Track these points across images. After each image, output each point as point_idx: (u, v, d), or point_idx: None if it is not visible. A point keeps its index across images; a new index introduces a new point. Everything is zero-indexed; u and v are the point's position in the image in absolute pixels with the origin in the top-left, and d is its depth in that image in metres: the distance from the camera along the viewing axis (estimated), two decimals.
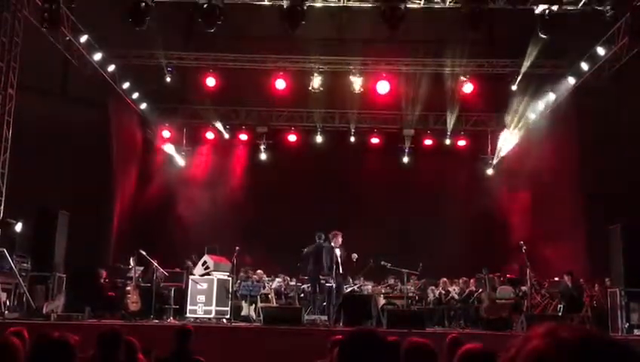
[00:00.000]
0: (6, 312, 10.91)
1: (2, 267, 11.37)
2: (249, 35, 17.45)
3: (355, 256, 13.00)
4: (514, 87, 16.34)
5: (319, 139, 18.76)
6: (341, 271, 12.80)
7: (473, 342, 3.49)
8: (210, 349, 7.82)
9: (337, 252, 12.88)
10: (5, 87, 12.86)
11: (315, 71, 16.39)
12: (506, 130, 18.10)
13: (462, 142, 18.75)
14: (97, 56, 15.14)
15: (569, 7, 12.21)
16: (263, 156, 18.97)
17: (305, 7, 11.81)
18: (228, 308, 12.80)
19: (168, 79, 16.53)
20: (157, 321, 12.30)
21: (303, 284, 14.52)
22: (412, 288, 14.65)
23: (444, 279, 15.14)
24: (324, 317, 12.23)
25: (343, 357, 2.71)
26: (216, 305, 12.71)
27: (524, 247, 12.81)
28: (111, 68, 15.88)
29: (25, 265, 12.47)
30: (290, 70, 16.55)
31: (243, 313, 13.83)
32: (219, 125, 18.81)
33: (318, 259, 12.89)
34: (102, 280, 14.43)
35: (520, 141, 17.88)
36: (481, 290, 14.09)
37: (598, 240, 13.93)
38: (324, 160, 18.48)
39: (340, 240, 13.00)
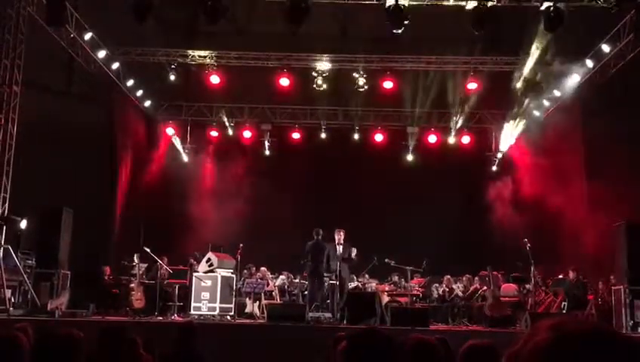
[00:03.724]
0: (11, 309, 10.95)
1: (7, 264, 11.41)
2: (253, 32, 17.46)
3: (354, 250, 12.97)
4: (518, 85, 16.30)
5: (323, 136, 18.78)
6: (339, 268, 12.77)
7: (477, 339, 3.48)
8: (214, 346, 7.83)
9: (339, 249, 12.90)
10: (10, 84, 12.90)
11: (319, 68, 16.38)
12: (509, 126, 18.09)
13: (466, 140, 18.73)
14: (101, 54, 15.16)
15: (574, 4, 12.17)
16: (267, 153, 18.99)
17: (309, 4, 11.78)
18: (232, 305, 12.82)
19: (172, 77, 16.54)
20: (161, 318, 12.34)
21: (306, 281, 14.54)
22: (416, 286, 14.65)
23: (448, 276, 15.13)
24: (328, 315, 12.25)
25: (348, 357, 2.71)
26: (220, 302, 12.74)
27: (529, 245, 12.80)
28: (115, 65, 15.91)
29: (29, 262, 12.52)
30: (294, 67, 16.54)
31: (247, 310, 13.84)
32: (223, 122, 18.84)
33: (316, 255, 12.91)
34: (106, 277, 14.47)
35: (524, 138, 17.86)
36: (485, 288, 14.08)
37: (603, 238, 13.90)
38: (328, 157, 18.49)
39: (342, 236, 13.00)
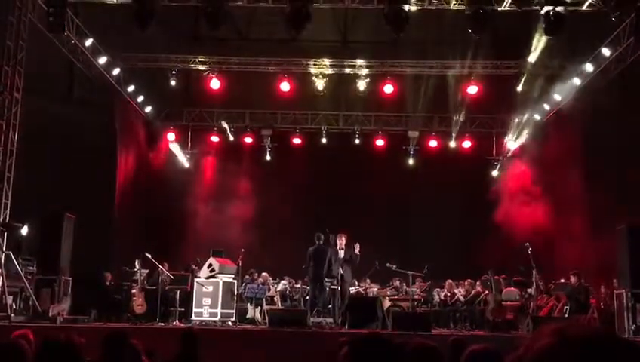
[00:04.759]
0: (12, 315, 10.92)
1: (8, 270, 11.40)
2: (253, 38, 17.50)
3: (357, 246, 12.96)
4: (519, 89, 16.32)
5: (324, 141, 18.78)
6: (343, 273, 12.79)
7: (478, 344, 3.48)
8: (215, 352, 7.82)
9: (341, 253, 12.91)
10: (11, 90, 12.91)
11: (319, 73, 16.40)
12: (511, 131, 18.12)
13: (467, 144, 18.73)
14: (102, 60, 15.20)
15: (574, 8, 12.18)
16: (268, 158, 18.99)
17: (309, 9, 11.80)
18: (233, 311, 12.81)
19: (173, 83, 16.57)
20: (162, 324, 12.32)
21: (307, 286, 14.52)
22: (417, 290, 14.63)
23: (450, 281, 15.12)
24: (330, 320, 12.24)
25: (350, 361, 2.71)
26: (222, 308, 12.72)
27: (530, 249, 12.78)
28: (116, 71, 15.95)
29: (31, 268, 12.50)
30: (294, 72, 16.56)
31: (248, 315, 13.84)
32: (224, 128, 18.86)
33: (317, 260, 12.90)
34: (107, 283, 14.45)
35: (525, 142, 17.87)
36: (486, 292, 14.05)
37: (604, 241, 13.87)
38: (329, 162, 18.49)
39: (343, 241, 13.02)
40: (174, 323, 12.50)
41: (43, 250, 12.89)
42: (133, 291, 13.48)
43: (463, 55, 15.78)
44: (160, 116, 18.87)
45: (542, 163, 17.29)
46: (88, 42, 14.56)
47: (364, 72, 16.48)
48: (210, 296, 12.83)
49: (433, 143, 18.73)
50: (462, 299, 14.57)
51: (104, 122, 17.00)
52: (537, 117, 17.45)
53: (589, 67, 14.95)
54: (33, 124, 13.57)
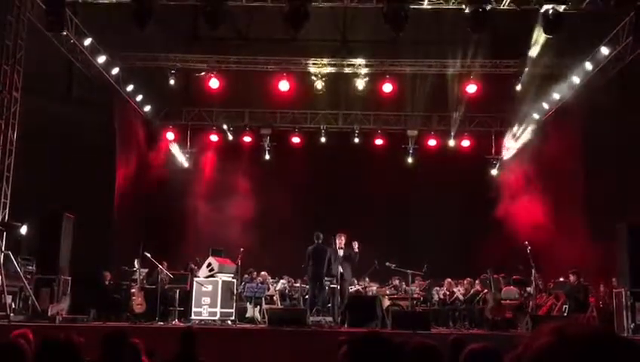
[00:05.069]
0: (11, 315, 10.92)
1: (8, 270, 11.40)
2: (253, 37, 17.51)
3: (356, 244, 12.98)
4: (518, 88, 16.32)
5: (323, 140, 18.77)
6: (342, 271, 12.82)
7: (477, 343, 3.48)
8: (215, 351, 7.83)
9: (341, 252, 12.92)
10: (10, 90, 12.90)
11: (318, 72, 16.40)
12: (510, 130, 18.13)
13: (466, 143, 18.74)
14: (101, 59, 15.19)
15: (573, 8, 12.18)
16: (267, 157, 18.99)
17: (308, 9, 11.80)
18: (233, 310, 12.80)
19: (172, 82, 16.55)
20: (162, 323, 12.31)
21: (307, 285, 14.53)
22: (417, 289, 14.64)
23: (449, 280, 15.12)
24: (329, 319, 12.24)
25: (349, 360, 2.71)
26: (221, 307, 12.72)
27: (529, 248, 12.79)
28: (115, 70, 15.94)
29: (30, 267, 12.50)
30: (293, 72, 16.56)
31: (248, 315, 13.84)
32: (223, 127, 18.85)
33: (317, 259, 12.91)
34: (106, 283, 14.45)
35: (524, 141, 17.88)
36: (485, 291, 14.07)
37: (604, 240, 13.89)
38: (328, 161, 18.49)
39: (343, 240, 13.03)
40: (174, 322, 12.50)
41: (42, 250, 12.88)
42: (133, 290, 13.47)
43: (463, 54, 15.78)
44: (159, 115, 18.86)
45: (541, 162, 17.28)
46: (87, 41, 14.54)
47: (364, 71, 16.48)
48: (209, 295, 12.82)
49: (432, 142, 18.73)
50: (461, 297, 14.58)
51: (103, 121, 17.00)
52: (536, 116, 17.46)
53: (588, 66, 14.96)
54: (32, 123, 13.57)
